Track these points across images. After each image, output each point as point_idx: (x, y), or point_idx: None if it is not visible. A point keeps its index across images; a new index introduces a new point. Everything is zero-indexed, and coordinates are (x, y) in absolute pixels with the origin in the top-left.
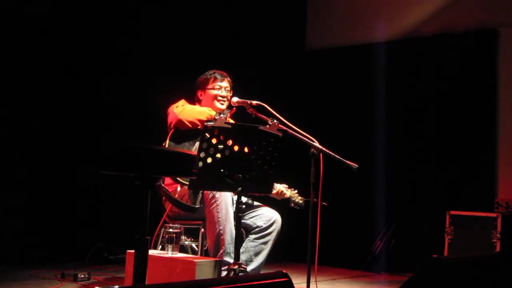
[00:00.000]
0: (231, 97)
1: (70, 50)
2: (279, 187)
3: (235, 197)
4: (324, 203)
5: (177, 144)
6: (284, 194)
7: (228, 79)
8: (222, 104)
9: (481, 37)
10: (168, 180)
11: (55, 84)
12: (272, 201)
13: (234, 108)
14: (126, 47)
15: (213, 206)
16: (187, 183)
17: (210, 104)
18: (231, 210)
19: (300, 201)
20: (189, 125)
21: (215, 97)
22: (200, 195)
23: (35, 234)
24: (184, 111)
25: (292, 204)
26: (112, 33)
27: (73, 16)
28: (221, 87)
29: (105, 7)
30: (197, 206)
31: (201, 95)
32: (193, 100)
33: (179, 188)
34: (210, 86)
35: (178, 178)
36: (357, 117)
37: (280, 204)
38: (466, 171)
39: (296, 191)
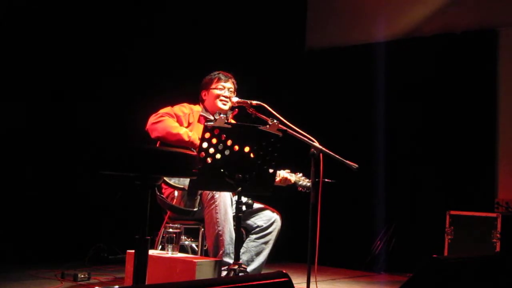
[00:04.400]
0: None
1: (69, 50)
2: (282, 174)
3: (234, 198)
4: (330, 180)
5: None
6: (289, 180)
7: (233, 80)
8: (225, 104)
9: (481, 37)
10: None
11: (55, 84)
12: (272, 200)
13: (237, 109)
14: (126, 47)
15: (212, 206)
16: (181, 186)
17: (212, 103)
18: (230, 211)
19: (308, 183)
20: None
21: (217, 96)
22: (198, 197)
23: (35, 234)
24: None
25: (300, 188)
26: (112, 34)
27: (69, 16)
28: (225, 87)
29: (105, 7)
30: (195, 210)
31: (205, 95)
32: (197, 100)
33: (176, 193)
34: (213, 86)
35: (171, 183)
36: (357, 117)
37: (280, 203)
38: (466, 171)
39: (300, 174)
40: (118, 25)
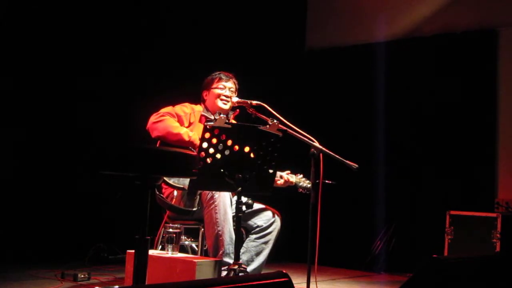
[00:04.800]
0: None
1: (69, 50)
2: (283, 176)
3: (234, 198)
4: (331, 182)
5: None
6: (290, 181)
7: (234, 80)
8: (225, 104)
9: (481, 37)
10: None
11: (55, 84)
12: (272, 200)
13: (238, 110)
14: (126, 47)
15: (211, 207)
16: (180, 186)
17: (213, 103)
18: (229, 211)
19: (308, 185)
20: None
21: (218, 96)
22: (198, 197)
23: (35, 234)
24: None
25: (300, 190)
26: (113, 34)
27: (70, 16)
28: (225, 87)
29: (105, 6)
30: (194, 209)
31: (206, 95)
32: (197, 100)
33: (175, 193)
34: (214, 86)
35: (170, 183)
36: (357, 117)
37: (280, 204)
38: (466, 171)
39: (301, 175)
40: (118, 25)
